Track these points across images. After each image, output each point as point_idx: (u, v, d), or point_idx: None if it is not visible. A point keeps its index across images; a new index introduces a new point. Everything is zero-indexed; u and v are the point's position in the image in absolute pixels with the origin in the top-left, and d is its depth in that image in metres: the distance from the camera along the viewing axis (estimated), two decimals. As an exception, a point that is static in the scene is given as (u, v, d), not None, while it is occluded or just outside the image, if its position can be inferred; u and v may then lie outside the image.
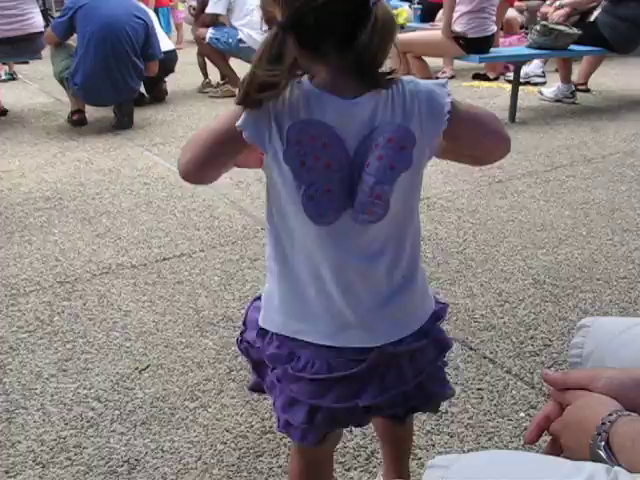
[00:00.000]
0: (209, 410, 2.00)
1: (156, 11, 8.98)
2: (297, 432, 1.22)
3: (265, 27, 1.10)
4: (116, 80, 5.07)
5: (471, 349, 2.28)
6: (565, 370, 2.15)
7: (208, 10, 6.46)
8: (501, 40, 6.97)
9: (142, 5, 5.36)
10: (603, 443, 0.83)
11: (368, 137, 1.07)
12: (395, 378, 1.18)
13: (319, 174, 1.06)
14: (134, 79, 5.24)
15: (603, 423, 0.85)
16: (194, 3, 6.90)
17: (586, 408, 0.91)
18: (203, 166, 1.18)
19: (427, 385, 1.25)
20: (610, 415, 0.85)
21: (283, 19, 1.04)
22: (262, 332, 1.24)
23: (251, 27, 6.25)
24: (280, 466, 1.77)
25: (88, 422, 1.95)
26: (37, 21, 5.46)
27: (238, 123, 1.07)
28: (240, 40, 6.24)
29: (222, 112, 1.17)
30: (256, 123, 1.07)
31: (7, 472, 1.77)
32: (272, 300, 1.21)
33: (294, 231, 1.14)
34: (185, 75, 7.07)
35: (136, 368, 2.20)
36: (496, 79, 7.22)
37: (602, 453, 0.83)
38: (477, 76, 7.24)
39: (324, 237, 1.12)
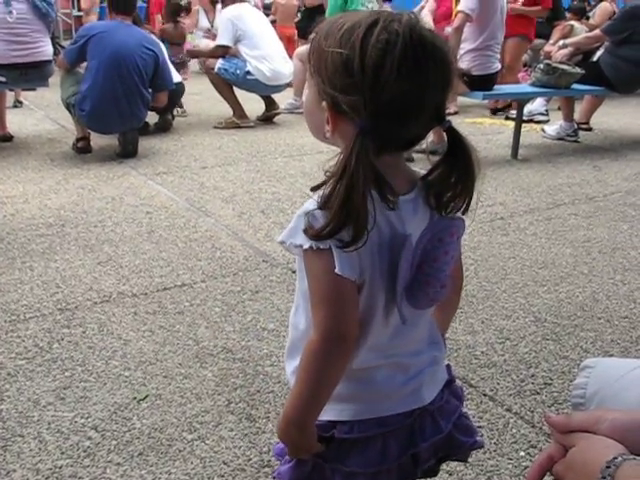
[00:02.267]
0: (207, 442, 1.98)
1: (162, 41, 9.07)
2: None
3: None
4: (123, 109, 5.11)
5: (471, 386, 2.27)
6: (566, 410, 2.14)
7: (217, 42, 6.54)
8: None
9: (152, 37, 5.41)
10: (608, 486, 0.82)
11: (428, 231, 1.08)
12: (432, 429, 1.19)
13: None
14: (141, 109, 5.28)
15: (608, 467, 0.84)
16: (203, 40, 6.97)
17: (590, 450, 0.90)
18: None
19: (455, 435, 1.24)
20: (615, 458, 0.84)
21: (365, 117, 0.97)
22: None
23: (259, 60, 6.31)
24: (277, 501, 1.75)
25: (85, 452, 1.93)
26: (47, 49, 5.51)
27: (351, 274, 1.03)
28: (248, 72, 6.29)
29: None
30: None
31: (1, 501, 1.75)
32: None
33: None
34: (190, 106, 7.12)
35: (134, 398, 2.19)
36: (494, 112, 7.32)
37: (606, 497, 0.82)
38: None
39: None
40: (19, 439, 1.98)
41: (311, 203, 1.02)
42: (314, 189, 1.03)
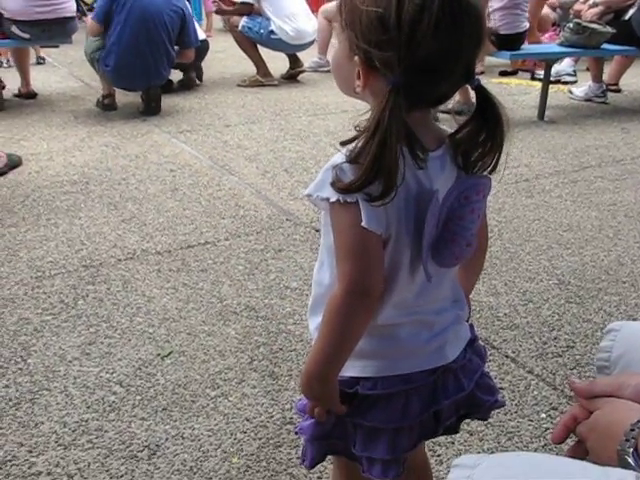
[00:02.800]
0: (230, 399, 2.00)
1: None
2: (378, 466, 1.19)
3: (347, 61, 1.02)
4: (148, 66, 5.10)
5: (493, 348, 2.27)
6: (588, 373, 2.14)
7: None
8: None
9: None
10: (632, 450, 0.82)
11: (455, 188, 1.07)
12: (454, 387, 1.19)
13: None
14: (165, 66, 5.28)
15: (632, 429, 0.84)
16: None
17: (614, 413, 0.90)
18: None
19: (477, 393, 1.25)
20: (639, 422, 0.84)
21: (399, 73, 0.95)
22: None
23: (283, 20, 6.24)
24: (299, 457, 1.77)
25: (110, 406, 1.97)
26: (70, 6, 5.47)
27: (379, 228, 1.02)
28: (271, 32, 6.23)
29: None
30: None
31: (30, 452, 1.78)
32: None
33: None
34: (214, 63, 7.08)
35: (158, 354, 2.21)
36: (514, 73, 7.18)
37: (630, 459, 0.82)
38: (504, 74, 7.20)
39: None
40: (46, 393, 2.02)
41: (339, 157, 1.01)
42: (344, 143, 1.02)
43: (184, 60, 5.51)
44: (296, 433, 1.26)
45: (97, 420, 1.91)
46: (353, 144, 1.00)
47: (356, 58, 0.99)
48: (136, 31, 4.99)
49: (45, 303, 2.50)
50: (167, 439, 1.84)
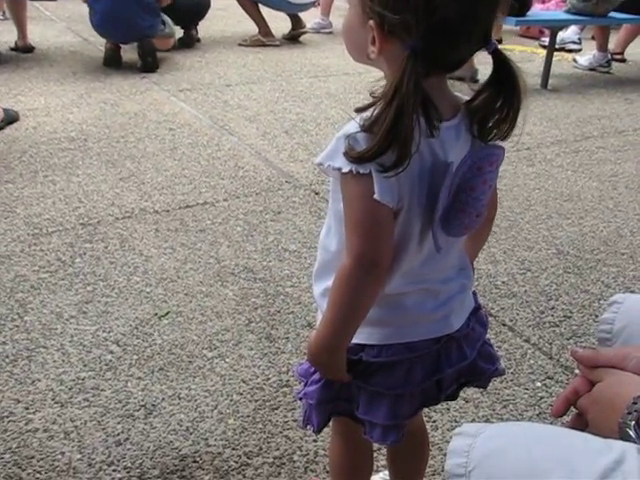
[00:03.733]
0: (226, 360, 2.01)
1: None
2: (378, 430, 1.19)
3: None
4: (124, 19, 5.02)
5: (491, 316, 2.27)
6: (584, 343, 2.15)
7: None
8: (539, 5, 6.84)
9: None
10: (633, 422, 0.82)
11: (468, 158, 1.05)
12: (457, 356, 1.19)
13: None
14: (145, 17, 5.14)
15: (634, 402, 0.83)
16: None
17: (617, 386, 0.90)
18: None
19: (478, 362, 1.25)
20: (642, 395, 0.84)
21: (417, 36, 0.92)
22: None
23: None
24: (295, 420, 1.77)
25: (106, 365, 1.97)
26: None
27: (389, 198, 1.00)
28: (272, -11, 6.14)
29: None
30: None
31: (27, 408, 1.79)
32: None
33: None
34: (215, 22, 6.98)
35: (155, 314, 2.21)
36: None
37: (632, 432, 0.82)
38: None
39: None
40: (43, 350, 2.02)
41: (352, 125, 0.99)
42: (359, 110, 1.00)
43: (161, 3, 5.30)
44: (300, 399, 1.25)
45: (94, 379, 1.91)
46: (368, 112, 0.97)
47: (371, 22, 0.96)
48: None
49: (42, 260, 2.49)
50: (163, 399, 1.84)
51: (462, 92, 1.08)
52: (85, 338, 2.08)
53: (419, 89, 0.93)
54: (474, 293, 1.27)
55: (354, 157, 0.96)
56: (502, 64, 1.00)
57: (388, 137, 0.93)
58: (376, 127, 0.94)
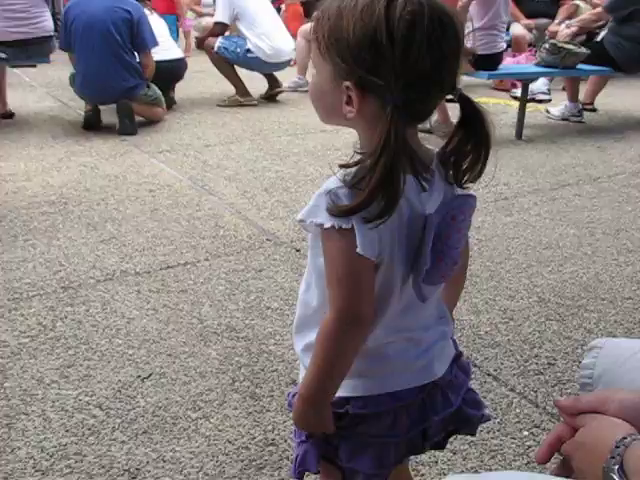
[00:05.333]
0: (211, 421, 1.98)
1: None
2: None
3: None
4: (105, 80, 5.12)
5: (475, 366, 2.27)
6: (569, 390, 2.15)
7: (214, 20, 6.49)
8: (510, 58, 7.00)
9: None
10: (617, 467, 0.82)
11: (442, 209, 1.07)
12: (443, 402, 1.20)
13: None
14: (124, 76, 5.21)
15: (617, 446, 0.83)
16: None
17: (599, 430, 0.90)
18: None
19: (464, 409, 1.25)
20: (624, 438, 0.84)
21: (397, 91, 0.95)
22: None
23: (259, 37, 6.25)
24: (282, 479, 1.75)
25: (89, 430, 1.94)
26: (47, 25, 5.47)
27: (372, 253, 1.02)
28: (248, 50, 6.25)
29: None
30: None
31: (6, 478, 1.75)
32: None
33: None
34: (193, 83, 7.08)
35: (138, 376, 2.19)
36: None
37: (616, 477, 0.82)
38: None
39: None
40: (23, 417, 1.98)
41: (333, 181, 1.01)
42: (344, 167, 1.02)
43: (144, 65, 5.35)
44: (301, 442, 1.22)
45: (76, 444, 1.88)
46: (351, 169, 1.00)
47: (347, 84, 0.98)
48: (84, 47, 5.09)
49: (22, 325, 2.47)
50: (148, 462, 1.81)
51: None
52: (67, 403, 2.05)
53: (406, 143, 0.95)
54: (454, 341, 1.28)
55: (339, 212, 0.98)
56: (469, 108, 1.03)
57: (376, 192, 0.95)
58: (363, 183, 0.96)
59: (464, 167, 1.07)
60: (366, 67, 0.95)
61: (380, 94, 0.96)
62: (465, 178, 1.08)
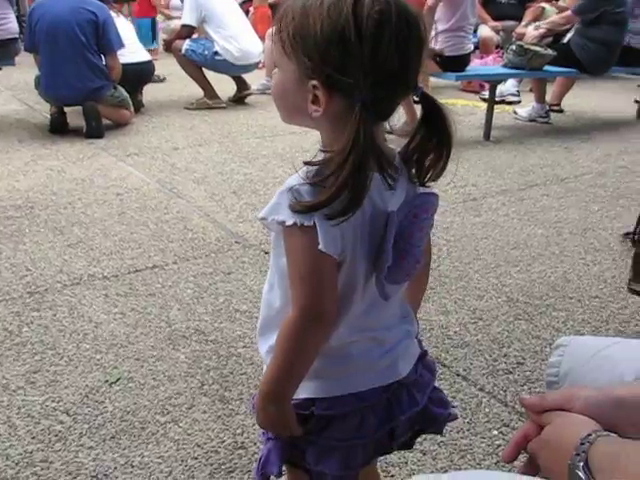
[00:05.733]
0: (180, 425, 1.97)
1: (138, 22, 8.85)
2: None
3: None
4: (69, 81, 5.07)
5: (444, 366, 2.28)
6: (538, 389, 2.16)
7: (181, 22, 6.45)
8: (477, 60, 7.05)
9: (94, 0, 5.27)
10: (582, 464, 0.82)
11: (404, 206, 1.07)
12: (408, 401, 1.20)
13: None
14: (89, 77, 5.16)
15: (582, 443, 0.84)
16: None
17: (564, 428, 0.90)
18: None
19: (430, 407, 1.25)
20: (589, 435, 0.84)
21: (365, 89, 0.95)
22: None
23: (227, 40, 6.23)
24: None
25: (56, 436, 1.91)
26: (12, 27, 5.42)
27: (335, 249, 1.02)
28: (216, 52, 6.21)
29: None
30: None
31: (-29, 487, 1.72)
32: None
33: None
34: (160, 86, 7.03)
35: (106, 381, 2.16)
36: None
37: (581, 474, 0.82)
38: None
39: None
40: (-12, 424, 1.95)
41: (294, 179, 1.00)
42: (309, 164, 1.01)
43: (110, 67, 5.30)
44: (268, 439, 1.21)
45: (42, 451, 1.85)
46: (313, 167, 1.00)
47: (313, 82, 0.98)
48: (49, 48, 5.05)
49: (-12, 331, 2.43)
50: (116, 468, 1.79)
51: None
52: (33, 409, 2.02)
53: (374, 141, 0.96)
54: (419, 340, 1.28)
55: (302, 208, 0.97)
56: (430, 105, 1.04)
57: (343, 189, 0.95)
58: (328, 181, 0.96)
59: (426, 165, 1.07)
60: (334, 65, 0.95)
61: (348, 93, 0.96)
62: (428, 176, 1.08)
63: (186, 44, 6.25)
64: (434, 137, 1.05)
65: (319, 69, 0.96)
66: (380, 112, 1.00)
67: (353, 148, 0.94)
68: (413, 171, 1.08)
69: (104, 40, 5.19)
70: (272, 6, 9.47)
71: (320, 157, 1.01)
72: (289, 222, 0.99)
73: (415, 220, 1.07)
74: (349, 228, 1.01)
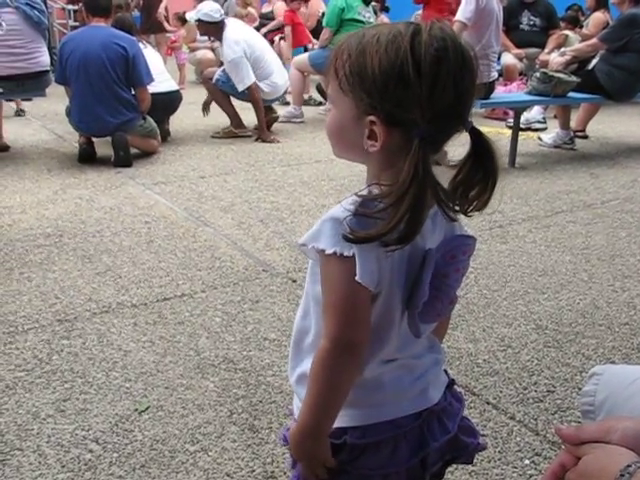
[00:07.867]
0: (210, 454, 1.96)
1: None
2: None
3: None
4: (100, 115, 5.17)
5: (474, 394, 2.26)
6: (569, 417, 2.13)
7: (242, 86, 6.23)
8: (501, 87, 7.06)
9: (123, 33, 5.36)
10: (622, 495, 0.82)
11: (442, 247, 1.09)
12: (440, 429, 1.20)
13: None
14: (120, 109, 5.26)
15: (622, 474, 0.83)
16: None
17: (603, 459, 0.89)
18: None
19: (460, 437, 1.25)
20: (629, 466, 0.84)
21: (424, 124, 0.97)
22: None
23: (260, 78, 6.26)
24: (282, 512, 1.73)
25: (86, 465, 1.92)
26: (44, 60, 5.52)
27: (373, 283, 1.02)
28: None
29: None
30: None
31: (2, 515, 1.73)
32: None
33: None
34: (187, 115, 7.11)
35: (135, 409, 2.17)
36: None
37: (622, 505, 0.81)
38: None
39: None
40: (18, 453, 1.96)
41: (340, 210, 1.01)
42: (364, 197, 1.02)
43: (140, 99, 5.40)
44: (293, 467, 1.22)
45: None
46: (357, 198, 1.00)
47: (371, 118, 0.99)
48: (81, 81, 5.15)
49: (18, 359, 2.45)
50: (145, 497, 1.80)
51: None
52: (63, 437, 2.03)
53: (432, 175, 0.97)
54: (445, 370, 1.28)
55: (357, 238, 0.98)
56: (479, 139, 1.04)
57: (401, 222, 0.96)
58: (384, 213, 0.97)
59: (470, 197, 1.07)
60: (394, 102, 0.97)
61: (407, 128, 0.98)
62: (471, 208, 1.08)
63: (217, 74, 6.31)
64: (481, 171, 1.05)
65: (379, 105, 0.98)
66: (435, 146, 1.01)
67: (413, 181, 0.95)
68: (457, 201, 1.08)
69: (134, 74, 5.29)
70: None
71: (374, 190, 1.02)
72: (329, 251, 1.00)
73: (452, 261, 1.08)
74: (387, 262, 1.01)
